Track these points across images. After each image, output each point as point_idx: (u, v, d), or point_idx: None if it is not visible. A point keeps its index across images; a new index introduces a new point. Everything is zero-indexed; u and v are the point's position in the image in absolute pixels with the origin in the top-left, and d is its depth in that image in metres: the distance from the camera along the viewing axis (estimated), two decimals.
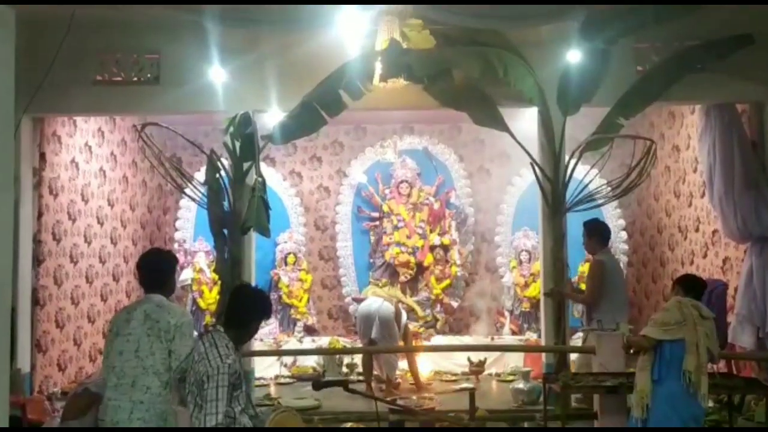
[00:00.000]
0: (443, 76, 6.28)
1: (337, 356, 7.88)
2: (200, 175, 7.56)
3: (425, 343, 8.36)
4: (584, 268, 8.03)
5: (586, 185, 6.53)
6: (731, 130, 6.63)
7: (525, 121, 6.83)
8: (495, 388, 7.54)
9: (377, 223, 9.23)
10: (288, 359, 8.18)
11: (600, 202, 6.75)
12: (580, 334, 6.28)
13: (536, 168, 6.41)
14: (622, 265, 8.68)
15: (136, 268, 3.71)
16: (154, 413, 3.38)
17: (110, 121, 8.31)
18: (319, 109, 6.18)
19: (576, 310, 7.65)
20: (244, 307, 3.25)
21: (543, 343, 6.66)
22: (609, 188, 6.70)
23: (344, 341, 8.37)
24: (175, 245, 8.85)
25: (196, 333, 3.88)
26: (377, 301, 7.41)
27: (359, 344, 7.76)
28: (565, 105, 6.38)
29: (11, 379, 4.32)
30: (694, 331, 4.15)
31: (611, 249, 8.56)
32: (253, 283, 6.62)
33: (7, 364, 3.63)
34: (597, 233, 5.84)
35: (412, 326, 8.46)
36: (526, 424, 5.76)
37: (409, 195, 9.18)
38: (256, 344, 7.65)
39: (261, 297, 3.35)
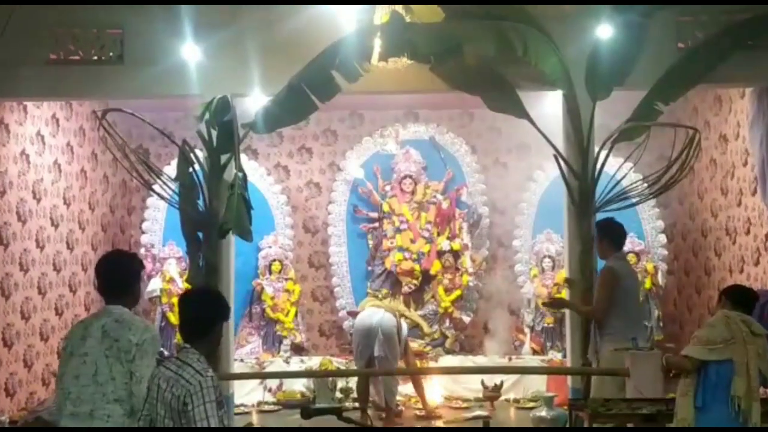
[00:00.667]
0: (453, 54, 6.27)
1: (330, 379, 7.89)
2: (170, 170, 7.55)
3: (432, 364, 8.36)
4: None
5: (619, 181, 6.53)
6: None
7: (548, 106, 6.82)
8: (513, 416, 7.54)
9: (376, 224, 9.24)
10: (273, 383, 8.18)
11: (635, 200, 6.75)
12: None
13: (561, 161, 6.42)
14: (660, 274, 8.73)
15: (95, 274, 3.72)
16: None
17: (66, 106, 8.31)
18: (308, 93, 6.18)
19: None
20: (198, 312, 3.27)
21: (569, 364, 6.66)
22: (645, 185, 6.70)
23: (338, 362, 8.38)
24: (142, 250, 8.85)
25: (165, 352, 3.90)
26: (377, 312, 7.42)
27: (355, 365, 7.75)
28: (594, 88, 6.38)
29: None
30: (743, 351, 4.15)
31: (651, 254, 8.72)
32: (231, 295, 6.64)
33: None
34: (609, 235, 5.79)
35: (417, 344, 8.47)
36: None
37: (413, 192, 9.19)
38: (236, 366, 7.65)
39: (210, 295, 3.38)
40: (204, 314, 3.28)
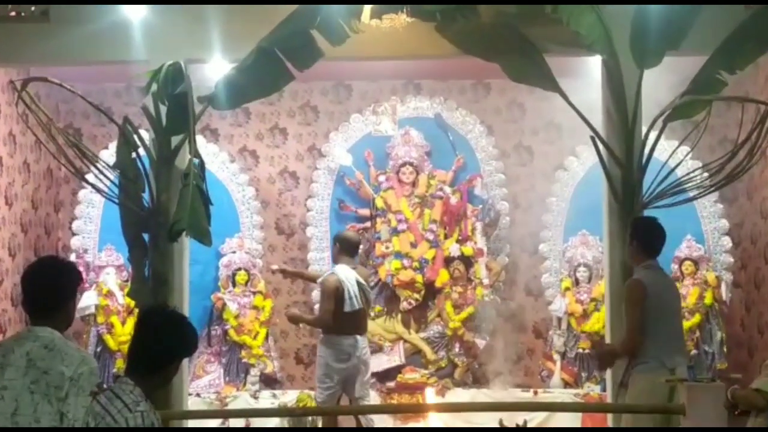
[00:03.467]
0: (465, 10, 6.28)
1: (310, 419, 7.90)
2: (108, 155, 7.54)
3: (438, 399, 8.37)
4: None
5: (672, 170, 6.55)
6: None
7: (584, 76, 6.83)
8: None
9: (368, 224, 9.23)
10: (237, 423, 8.18)
11: (692, 194, 6.77)
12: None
13: (600, 144, 6.43)
14: (724, 286, 8.69)
15: (22, 287, 3.71)
16: None
17: None
18: (282, 59, 6.19)
19: None
20: (156, 340, 3.26)
21: (608, 399, 6.68)
22: (706, 174, 6.72)
23: None
24: (72, 256, 8.83)
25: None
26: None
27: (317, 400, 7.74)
28: (641, 53, 6.39)
29: None
30: None
31: (712, 261, 8.72)
32: (186, 312, 6.63)
33: None
34: (637, 237, 5.70)
35: (419, 375, 8.48)
36: None
37: (414, 184, 9.19)
38: (191, 401, 7.66)
39: (178, 322, 3.35)
40: (164, 344, 3.27)
